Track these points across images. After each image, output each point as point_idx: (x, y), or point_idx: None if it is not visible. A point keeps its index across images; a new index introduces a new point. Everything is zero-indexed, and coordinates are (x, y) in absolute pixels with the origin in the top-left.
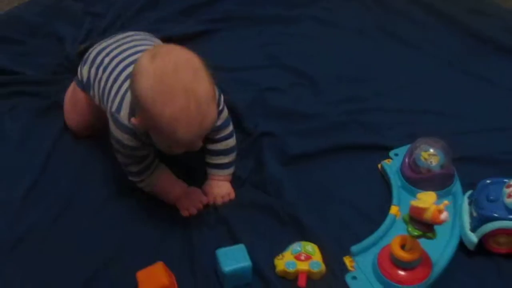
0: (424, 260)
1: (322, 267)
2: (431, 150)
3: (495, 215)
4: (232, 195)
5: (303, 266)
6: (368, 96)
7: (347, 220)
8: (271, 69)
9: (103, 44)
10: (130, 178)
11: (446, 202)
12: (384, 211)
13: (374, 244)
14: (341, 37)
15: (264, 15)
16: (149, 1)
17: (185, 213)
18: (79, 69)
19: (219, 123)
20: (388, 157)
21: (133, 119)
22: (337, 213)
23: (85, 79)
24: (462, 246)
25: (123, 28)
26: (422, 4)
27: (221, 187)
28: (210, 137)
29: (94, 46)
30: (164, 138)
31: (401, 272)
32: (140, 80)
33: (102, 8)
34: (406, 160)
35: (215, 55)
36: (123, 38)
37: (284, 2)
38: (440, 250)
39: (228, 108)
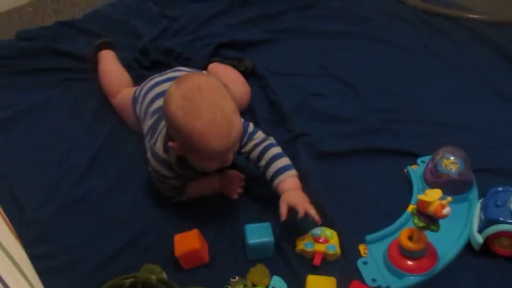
0: (430, 253)
1: (337, 251)
2: (452, 158)
3: (500, 218)
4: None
5: (320, 247)
6: (403, 107)
7: (366, 213)
8: (320, 77)
9: (152, 81)
10: (165, 194)
11: (449, 198)
12: (402, 210)
13: (388, 235)
14: (388, 53)
15: (321, 30)
16: (222, 10)
17: (235, 197)
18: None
19: (252, 143)
20: (415, 163)
21: (170, 143)
22: (358, 206)
23: (137, 113)
24: (470, 247)
25: (194, 31)
26: (467, 28)
27: (298, 194)
28: (250, 154)
29: (145, 83)
30: (199, 153)
31: (408, 261)
32: (170, 104)
33: (178, 12)
34: (429, 165)
35: (272, 61)
36: (168, 79)
37: (342, 19)
38: (448, 246)
39: (276, 108)
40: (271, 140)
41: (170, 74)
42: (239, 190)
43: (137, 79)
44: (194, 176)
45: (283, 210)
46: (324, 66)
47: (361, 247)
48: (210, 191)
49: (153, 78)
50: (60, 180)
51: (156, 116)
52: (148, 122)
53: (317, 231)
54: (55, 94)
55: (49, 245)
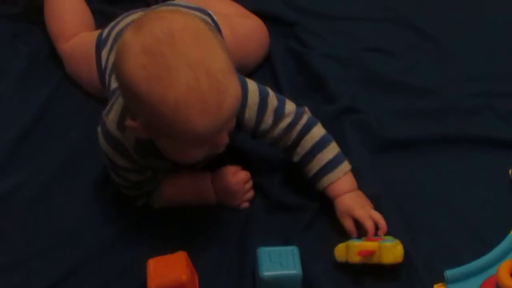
0: None
1: (397, 245)
2: None
3: None
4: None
5: (371, 244)
6: None
7: (446, 235)
8: (384, 23)
9: (132, 17)
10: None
11: None
12: (503, 232)
13: (480, 271)
14: None
15: None
16: None
17: (244, 206)
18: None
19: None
20: None
21: (128, 121)
22: (434, 224)
23: (103, 63)
24: None
25: None
26: None
27: (358, 196)
28: (280, 141)
29: (118, 20)
30: (173, 138)
31: None
32: (126, 62)
33: None
34: None
35: None
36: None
37: None
38: None
39: (311, 69)
40: (307, 112)
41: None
42: (248, 195)
43: (99, 20)
44: (164, 168)
45: (350, 226)
46: (391, 8)
47: None
48: (198, 200)
49: (133, 13)
50: None
51: None
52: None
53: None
54: None
55: None
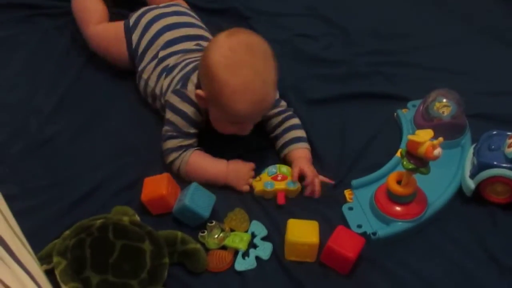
0: (419, 198)
1: (298, 186)
2: (444, 101)
3: (494, 162)
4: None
5: (280, 185)
6: (395, 50)
7: (353, 158)
8: (308, 18)
9: (155, 12)
10: (170, 154)
11: (440, 139)
12: (391, 155)
13: (375, 180)
14: None
15: None
16: None
17: (245, 189)
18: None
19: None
20: (406, 107)
21: (198, 91)
22: (345, 150)
23: (134, 44)
24: (462, 195)
25: None
26: None
27: (311, 165)
28: (270, 124)
29: (141, 13)
30: (222, 110)
31: (395, 207)
32: (214, 51)
33: None
34: (420, 108)
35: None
36: (175, 13)
37: None
38: (439, 192)
39: None
40: (292, 110)
41: (174, 8)
42: (250, 180)
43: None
44: (205, 134)
45: (296, 173)
46: (312, 6)
47: (347, 193)
48: (213, 175)
49: (153, 9)
50: (26, 120)
51: (175, 53)
52: (159, 54)
53: (272, 169)
54: (21, 31)
55: (14, 186)
